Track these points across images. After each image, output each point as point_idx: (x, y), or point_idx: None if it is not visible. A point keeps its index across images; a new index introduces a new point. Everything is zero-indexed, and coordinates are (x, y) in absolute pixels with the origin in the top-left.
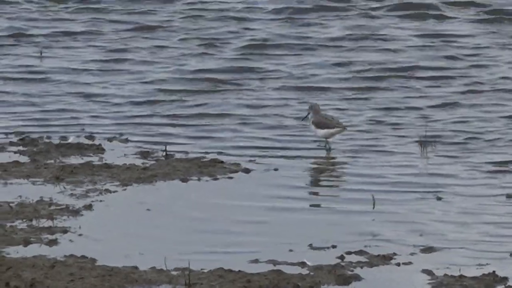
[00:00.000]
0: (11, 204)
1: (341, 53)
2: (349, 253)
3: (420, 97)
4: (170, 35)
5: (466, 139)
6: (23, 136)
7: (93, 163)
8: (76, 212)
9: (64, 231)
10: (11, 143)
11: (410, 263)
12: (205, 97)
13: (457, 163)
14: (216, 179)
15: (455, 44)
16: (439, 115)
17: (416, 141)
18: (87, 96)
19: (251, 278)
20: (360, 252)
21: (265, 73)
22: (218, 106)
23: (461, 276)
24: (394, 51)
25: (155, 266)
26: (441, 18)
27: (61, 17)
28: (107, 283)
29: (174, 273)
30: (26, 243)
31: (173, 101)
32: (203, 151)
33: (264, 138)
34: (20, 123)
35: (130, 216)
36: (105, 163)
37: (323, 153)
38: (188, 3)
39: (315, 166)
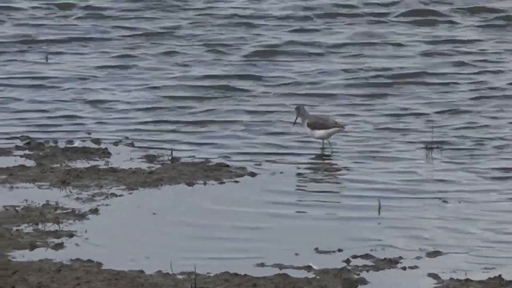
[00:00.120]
0: (17, 208)
1: (349, 59)
2: (355, 257)
3: (428, 103)
4: (178, 41)
5: (473, 145)
6: (29, 140)
7: (99, 167)
8: (82, 216)
9: (70, 235)
10: (17, 147)
11: (416, 267)
12: (211, 103)
13: (463, 168)
14: (222, 183)
15: (463, 50)
16: (446, 121)
17: (423, 147)
18: (94, 101)
19: (257, 282)
20: (366, 256)
21: (272, 79)
22: (224, 111)
23: (467, 280)
24: (402, 57)
25: (161, 270)
26: (450, 24)
27: (68, 23)
28: (113, 287)
29: (180, 277)
30: (32, 247)
31: (180, 107)
32: (209, 155)
33: (269, 144)
34: (26, 128)
35: (136, 220)
36: (111, 167)
37: (329, 159)
38: (196, 9)
39: (321, 171)
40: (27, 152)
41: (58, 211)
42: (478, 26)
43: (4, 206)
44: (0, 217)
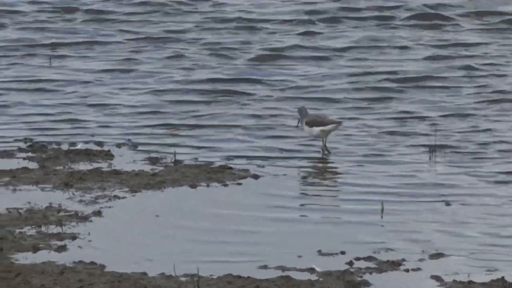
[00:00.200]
0: (20, 211)
1: (353, 63)
2: (358, 259)
3: (431, 106)
4: (182, 45)
5: (476, 148)
6: (32, 142)
7: (102, 169)
8: (85, 218)
9: (73, 237)
10: (20, 150)
11: (419, 269)
12: (214, 106)
13: (467, 171)
14: (225, 185)
15: (467, 53)
16: (450, 125)
17: (426, 150)
18: (97, 104)
19: (260, 284)
20: (369, 258)
21: (276, 83)
22: (228, 115)
23: (470, 282)
24: (407, 60)
25: (164, 272)
26: (454, 27)
27: (72, 27)
28: None
29: (183, 279)
30: (35, 249)
31: (183, 111)
32: (212, 157)
33: (273, 147)
34: (30, 132)
35: (139, 222)
36: (114, 169)
37: (332, 161)
38: (200, 13)
39: (324, 174)
40: (30, 154)
41: (61, 214)
42: (482, 30)
43: (7, 209)
44: (3, 219)
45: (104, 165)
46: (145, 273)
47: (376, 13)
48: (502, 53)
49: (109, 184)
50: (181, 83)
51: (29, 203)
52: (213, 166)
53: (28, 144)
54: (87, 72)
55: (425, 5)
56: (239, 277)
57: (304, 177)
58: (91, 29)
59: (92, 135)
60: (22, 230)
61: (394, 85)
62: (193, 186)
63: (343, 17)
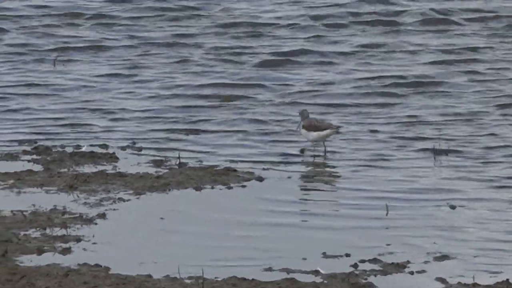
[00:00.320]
0: (24, 213)
1: (359, 68)
2: (362, 261)
3: (436, 110)
4: (187, 49)
5: (481, 152)
6: (37, 145)
7: (107, 171)
8: (89, 221)
9: (78, 239)
10: (25, 152)
11: (423, 271)
12: (219, 110)
13: (471, 174)
14: (229, 187)
15: (473, 57)
16: (454, 128)
17: (431, 154)
18: (102, 108)
19: (265, 287)
20: (373, 260)
21: (281, 87)
22: (232, 119)
23: (474, 285)
24: (412, 65)
25: (169, 275)
26: (460, 32)
27: (78, 31)
28: None
29: (188, 281)
30: (40, 251)
31: (189, 115)
32: (217, 159)
33: (277, 150)
34: (36, 137)
35: (143, 224)
36: (119, 172)
37: (337, 165)
38: (206, 17)
39: (329, 177)
40: (34, 157)
41: (66, 216)
42: (488, 34)
43: (11, 211)
44: (7, 221)
45: (108, 168)
46: (149, 275)
47: (382, 18)
48: (508, 58)
49: (113, 186)
50: (187, 87)
51: (34, 205)
52: (217, 168)
53: (33, 146)
54: (92, 76)
55: (432, 9)
56: (244, 279)
57: (308, 181)
58: (97, 34)
59: (97, 138)
60: (26, 233)
61: (400, 89)
62: (197, 188)
63: (350, 22)
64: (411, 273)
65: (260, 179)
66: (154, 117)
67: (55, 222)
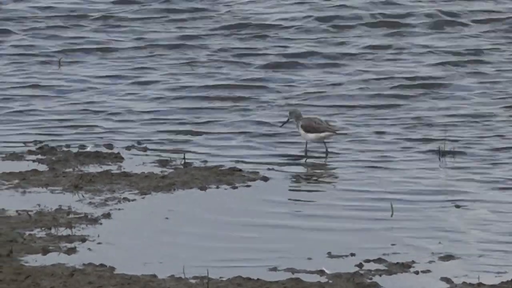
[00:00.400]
0: (29, 213)
1: (365, 69)
2: (367, 261)
3: (442, 111)
4: (193, 50)
5: (487, 153)
6: (42, 144)
7: (112, 171)
8: (94, 221)
9: (83, 239)
10: (30, 152)
11: (428, 271)
12: (225, 111)
13: (477, 175)
14: (234, 187)
15: (479, 59)
16: (460, 129)
17: (436, 155)
18: (107, 109)
19: (270, 286)
20: (378, 260)
21: (287, 89)
22: (237, 120)
23: (479, 284)
24: (418, 66)
25: (174, 275)
26: (467, 33)
27: (82, 32)
28: None
29: (193, 281)
30: (45, 251)
31: (194, 116)
32: (222, 159)
33: (283, 150)
34: (41, 138)
35: (148, 224)
36: (124, 172)
37: (341, 164)
38: (211, 19)
39: (334, 176)
40: (39, 156)
41: (71, 216)
42: (495, 36)
43: (17, 211)
44: (12, 221)
45: (113, 168)
46: (154, 275)
47: (389, 19)
48: None
49: (118, 186)
50: (193, 88)
51: (39, 205)
52: (222, 168)
53: (38, 146)
54: (98, 78)
55: (439, 11)
56: (249, 279)
57: (313, 181)
58: (103, 35)
59: (102, 139)
60: (31, 232)
61: (406, 91)
62: (202, 188)
63: (356, 23)
64: (416, 273)
65: (265, 179)
66: (160, 119)
67: (60, 222)
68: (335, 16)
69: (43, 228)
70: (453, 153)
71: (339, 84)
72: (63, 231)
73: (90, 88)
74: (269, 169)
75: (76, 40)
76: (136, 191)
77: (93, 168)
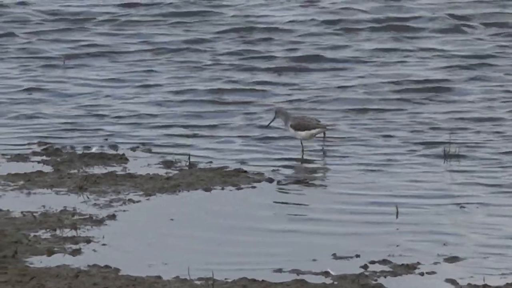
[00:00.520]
0: (34, 214)
1: (370, 72)
2: (372, 262)
3: (447, 114)
4: (197, 53)
5: (492, 155)
6: (47, 146)
7: (117, 173)
8: (99, 222)
9: (88, 240)
10: (35, 153)
11: (433, 272)
12: (229, 113)
13: (482, 177)
14: (239, 188)
15: (484, 62)
16: (465, 132)
17: (442, 157)
18: (112, 111)
19: None
20: (383, 262)
21: (292, 92)
22: (242, 122)
23: (485, 286)
24: (424, 69)
25: (178, 276)
26: (473, 37)
27: (87, 35)
28: None
29: (197, 282)
30: (50, 253)
31: (199, 118)
32: (227, 160)
33: (287, 152)
34: (46, 140)
35: (153, 225)
36: (129, 173)
37: (346, 167)
38: (220, 22)
39: (338, 177)
40: (44, 158)
41: (76, 217)
42: (501, 40)
43: (21, 212)
44: (18, 223)
45: (118, 169)
46: (159, 277)
47: (396, 23)
48: None
49: (123, 187)
50: (198, 91)
51: (44, 206)
52: (227, 169)
53: (43, 147)
54: (103, 81)
55: (446, 14)
56: (254, 280)
57: (318, 180)
58: (108, 38)
59: (106, 139)
60: (36, 234)
61: (412, 94)
62: (207, 189)
63: (364, 26)
64: (421, 274)
65: (270, 180)
66: (165, 121)
67: (65, 223)
68: (342, 20)
69: (48, 229)
70: (458, 157)
71: (346, 87)
72: (68, 232)
73: (95, 91)
74: (273, 170)
75: (81, 43)
76: (141, 193)
77: (98, 169)
